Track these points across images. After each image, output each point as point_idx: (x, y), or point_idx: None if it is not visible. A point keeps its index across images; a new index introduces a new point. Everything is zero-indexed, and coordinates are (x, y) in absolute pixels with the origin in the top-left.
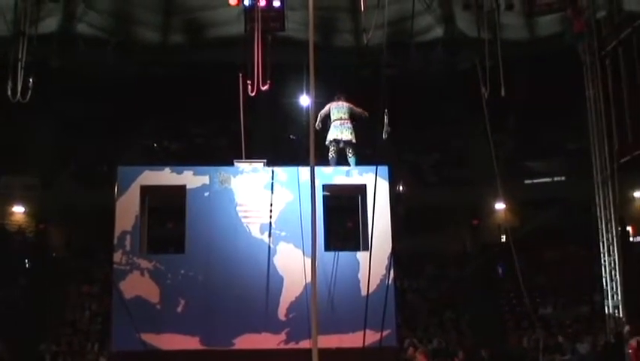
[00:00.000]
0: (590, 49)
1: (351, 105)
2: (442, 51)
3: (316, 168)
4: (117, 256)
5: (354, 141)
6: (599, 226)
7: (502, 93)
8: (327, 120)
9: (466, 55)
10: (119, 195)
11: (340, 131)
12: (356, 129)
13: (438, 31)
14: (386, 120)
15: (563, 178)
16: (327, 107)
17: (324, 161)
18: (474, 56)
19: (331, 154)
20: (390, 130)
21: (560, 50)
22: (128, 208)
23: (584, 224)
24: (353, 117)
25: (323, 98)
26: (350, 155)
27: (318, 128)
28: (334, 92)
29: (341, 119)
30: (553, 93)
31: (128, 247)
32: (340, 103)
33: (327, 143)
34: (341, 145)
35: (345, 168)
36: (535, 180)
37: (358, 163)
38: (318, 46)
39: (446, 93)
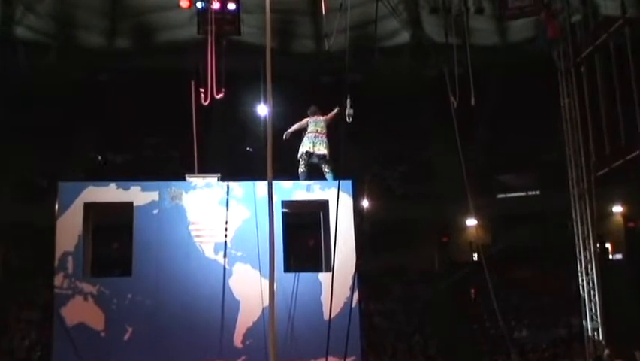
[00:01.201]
0: (565, 55)
1: (327, 117)
2: (409, 57)
3: (275, 182)
4: (58, 280)
5: (327, 155)
6: (576, 243)
7: (472, 102)
8: (301, 133)
9: (433, 61)
10: (60, 213)
11: (314, 144)
12: (331, 144)
13: (404, 36)
14: (349, 104)
15: (538, 192)
16: (304, 121)
17: (282, 175)
18: (442, 63)
19: (302, 168)
20: (353, 113)
21: (533, 56)
22: (70, 227)
23: (560, 241)
24: (329, 127)
25: (281, 107)
26: (327, 170)
27: (286, 138)
28: (292, 101)
29: (317, 132)
30: (527, 102)
31: (70, 270)
32: (319, 118)
33: (299, 156)
34: (314, 160)
35: (305, 183)
36: (508, 195)
37: (336, 179)
38: (275, 51)
39: (413, 102)
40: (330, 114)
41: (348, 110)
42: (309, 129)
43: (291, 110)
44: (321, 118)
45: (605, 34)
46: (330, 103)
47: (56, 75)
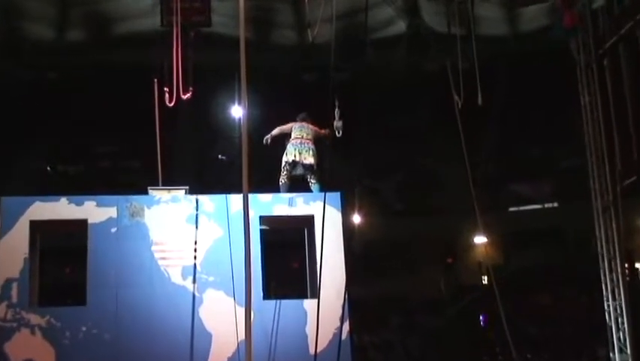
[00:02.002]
0: (585, 46)
1: (317, 129)
2: (405, 50)
3: (251, 195)
4: (1, 310)
5: (315, 165)
6: (601, 264)
7: (479, 101)
8: (284, 139)
9: (434, 54)
10: (3, 233)
11: (299, 151)
12: (319, 152)
13: (399, 26)
14: (337, 114)
15: (555, 205)
16: (288, 125)
17: (260, 186)
18: (444, 56)
19: (283, 179)
20: (342, 125)
21: (548, 48)
22: (14, 249)
23: (582, 261)
24: (316, 140)
25: (258, 108)
26: (312, 182)
27: (266, 142)
28: (271, 101)
29: (302, 137)
30: (542, 101)
31: (14, 299)
32: (305, 124)
33: (282, 166)
34: (299, 170)
35: (287, 195)
36: (521, 208)
37: (322, 190)
38: (251, 44)
39: (411, 101)
40: (322, 131)
41: (337, 123)
42: (294, 135)
43: (270, 111)
44: (310, 127)
45: (631, 22)
46: (315, 103)
47: None
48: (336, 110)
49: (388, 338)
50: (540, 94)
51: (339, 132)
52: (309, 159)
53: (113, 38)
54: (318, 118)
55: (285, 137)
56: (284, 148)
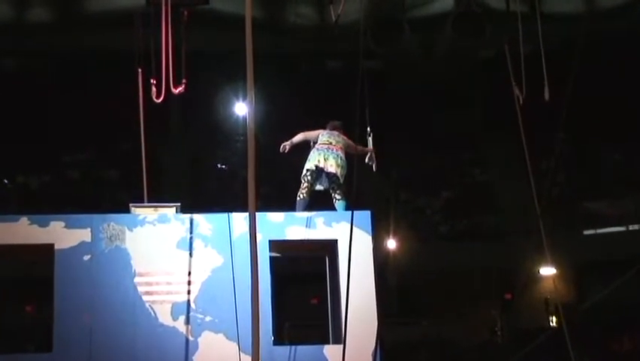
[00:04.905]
0: None
1: (351, 142)
2: (452, 32)
3: (259, 214)
4: None
5: (340, 176)
6: None
7: (547, 96)
8: (309, 146)
9: (489, 37)
10: None
11: (324, 157)
12: (348, 163)
13: (446, 2)
14: (370, 144)
15: None
16: (315, 132)
17: (270, 203)
18: (502, 40)
19: (302, 193)
20: (375, 158)
21: (630, 31)
22: None
23: None
24: (347, 153)
25: (268, 105)
26: (338, 197)
27: (284, 150)
28: (284, 96)
29: (330, 143)
30: (624, 96)
31: None
32: (336, 133)
33: (302, 175)
34: (323, 183)
35: (303, 215)
36: (599, 231)
37: (349, 208)
38: (259, 25)
39: (460, 96)
40: (360, 148)
41: (370, 157)
42: (320, 140)
43: (283, 109)
44: (342, 137)
45: None
46: (339, 99)
47: None
48: (369, 139)
49: None
50: (622, 87)
51: (373, 166)
52: (334, 167)
53: (86, 18)
54: (345, 126)
55: (308, 145)
56: (305, 155)
